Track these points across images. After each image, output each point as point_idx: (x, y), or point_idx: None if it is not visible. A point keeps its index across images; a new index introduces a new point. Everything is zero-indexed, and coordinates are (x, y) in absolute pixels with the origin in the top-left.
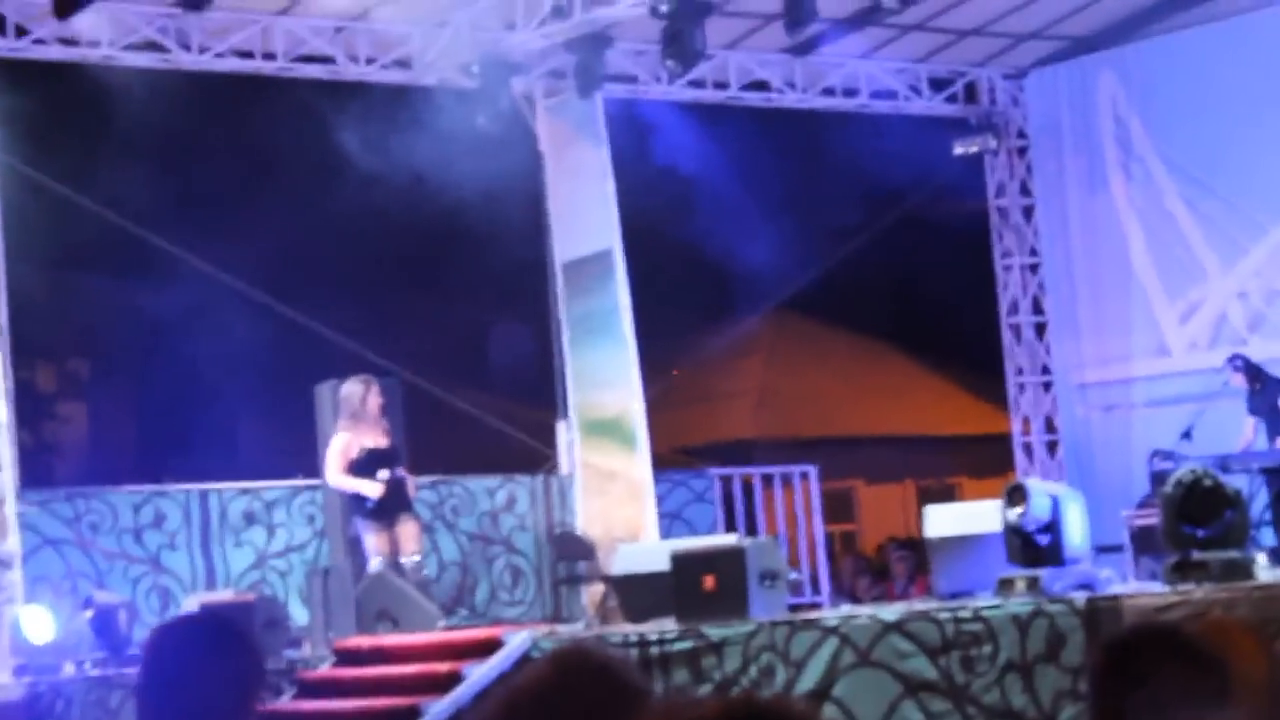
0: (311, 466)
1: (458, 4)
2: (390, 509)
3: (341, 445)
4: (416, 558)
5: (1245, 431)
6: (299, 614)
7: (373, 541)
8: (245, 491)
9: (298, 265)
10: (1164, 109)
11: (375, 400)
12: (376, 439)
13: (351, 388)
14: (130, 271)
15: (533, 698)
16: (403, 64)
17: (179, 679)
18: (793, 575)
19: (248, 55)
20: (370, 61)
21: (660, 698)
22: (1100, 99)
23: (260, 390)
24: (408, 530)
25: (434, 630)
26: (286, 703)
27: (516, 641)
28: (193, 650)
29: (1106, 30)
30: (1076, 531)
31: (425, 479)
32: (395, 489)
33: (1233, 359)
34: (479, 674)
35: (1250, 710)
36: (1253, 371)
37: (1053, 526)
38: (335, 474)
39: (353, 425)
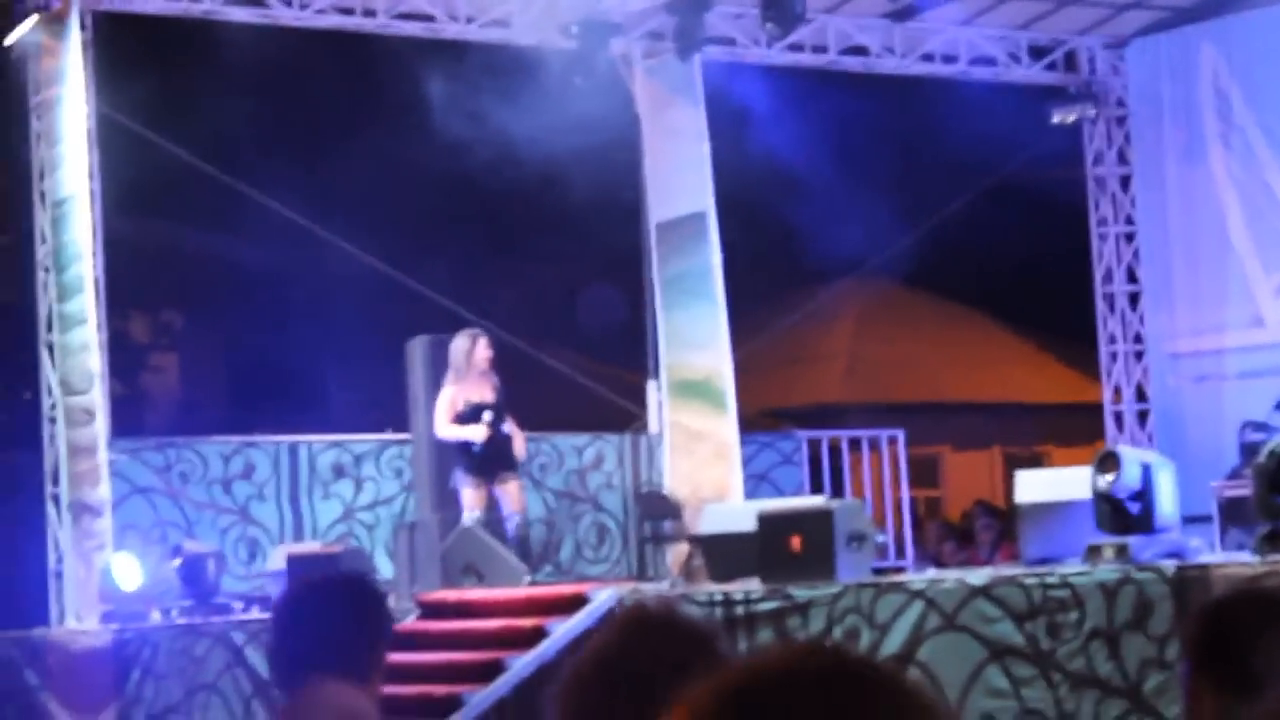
0: (401, 421)
1: None
2: (492, 465)
3: (448, 398)
4: (518, 517)
5: None
6: (385, 568)
7: (470, 496)
8: (334, 444)
9: (392, 221)
10: (1265, 81)
11: (482, 354)
12: (483, 393)
13: (459, 342)
14: (225, 224)
15: (597, 664)
16: (501, 23)
17: (317, 634)
18: (879, 538)
19: (348, 11)
20: (470, 20)
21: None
22: (1201, 70)
23: (351, 344)
24: (509, 488)
25: (519, 586)
26: None
27: (601, 598)
28: (332, 609)
29: (1208, 1)
30: (1168, 500)
31: None
32: (499, 446)
33: None
34: (563, 630)
35: None
36: None
37: (1144, 494)
38: (443, 425)
39: (458, 379)
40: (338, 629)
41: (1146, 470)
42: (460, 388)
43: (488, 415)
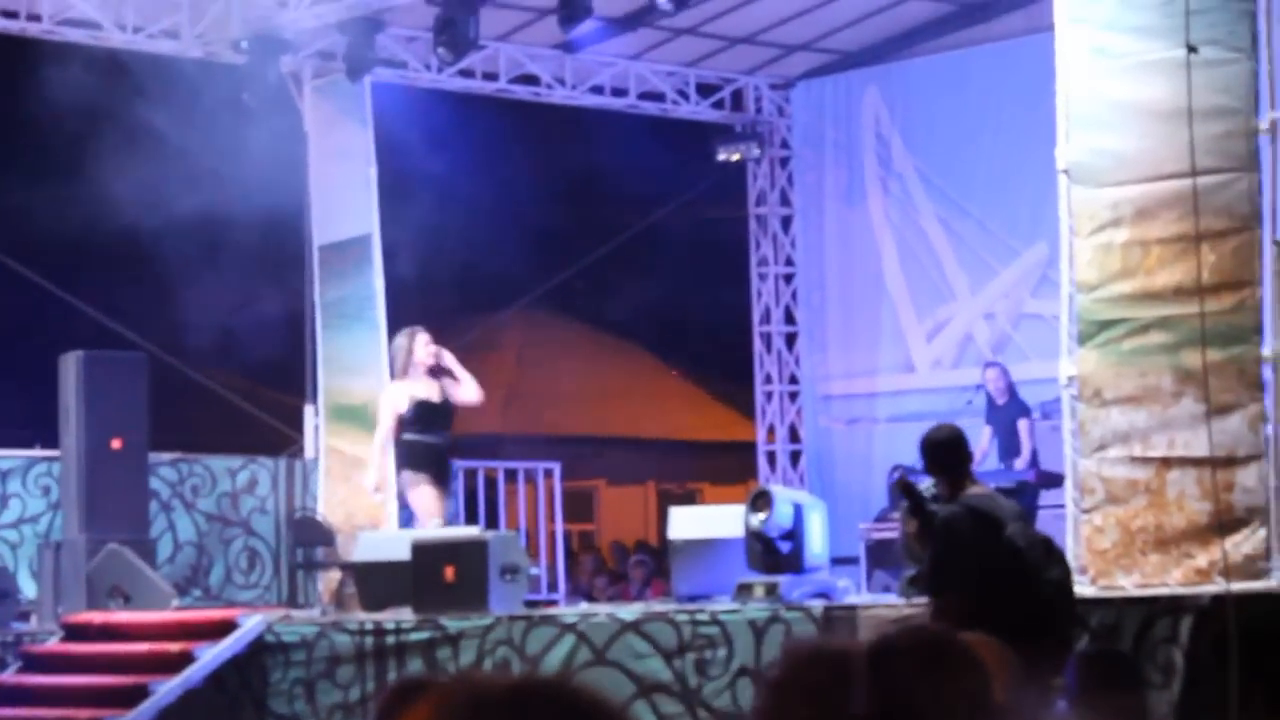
0: (50, 437)
1: None
2: (446, 469)
3: (390, 398)
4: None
5: (981, 442)
6: (28, 587)
7: (428, 499)
8: None
9: (50, 234)
10: (925, 128)
11: (424, 350)
12: (430, 392)
13: (398, 340)
14: None
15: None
16: (171, 34)
17: None
18: (533, 571)
19: (12, 15)
20: (138, 30)
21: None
22: (864, 114)
23: (2, 357)
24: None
25: (167, 609)
26: (11, 676)
27: (250, 624)
28: None
29: (875, 46)
30: (818, 540)
31: (166, 456)
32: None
33: (996, 364)
34: (210, 655)
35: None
36: (1008, 385)
37: (795, 534)
38: (380, 431)
39: (403, 378)
40: None
41: (798, 510)
42: (405, 386)
43: (377, 495)
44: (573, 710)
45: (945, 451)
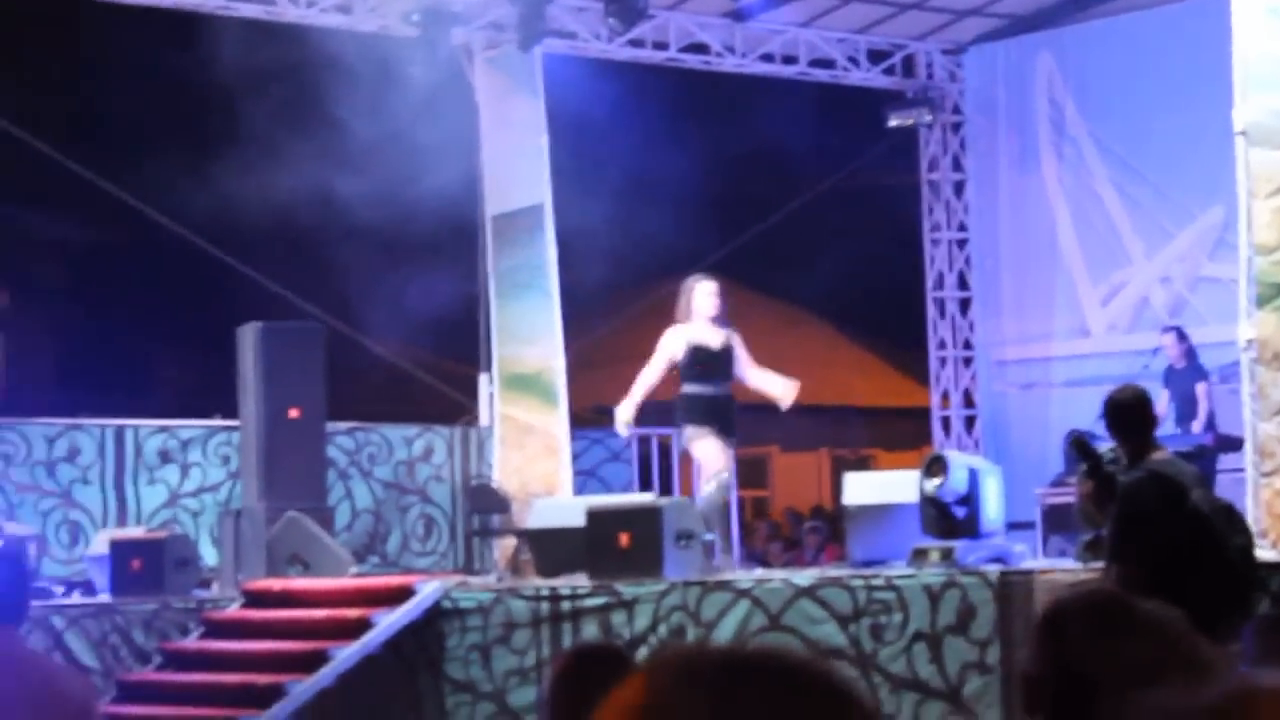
0: (230, 407)
1: None
2: (730, 421)
3: (666, 341)
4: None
5: (1159, 406)
6: (209, 555)
7: (714, 451)
8: (161, 429)
9: (226, 206)
10: (1098, 92)
11: (705, 299)
12: (710, 338)
13: (684, 284)
14: (52, 202)
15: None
16: (343, 9)
17: None
18: (707, 537)
19: None
20: (310, 4)
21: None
22: (1037, 79)
23: (181, 329)
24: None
25: (345, 576)
26: (193, 642)
27: (427, 591)
28: None
29: (1046, 10)
30: (993, 505)
31: (343, 425)
32: (728, 401)
33: (1175, 328)
34: (388, 622)
35: None
36: (1188, 349)
37: (970, 499)
38: (647, 370)
39: (685, 322)
40: None
41: (973, 475)
42: (684, 330)
43: (626, 429)
44: (788, 682)
45: (1129, 413)
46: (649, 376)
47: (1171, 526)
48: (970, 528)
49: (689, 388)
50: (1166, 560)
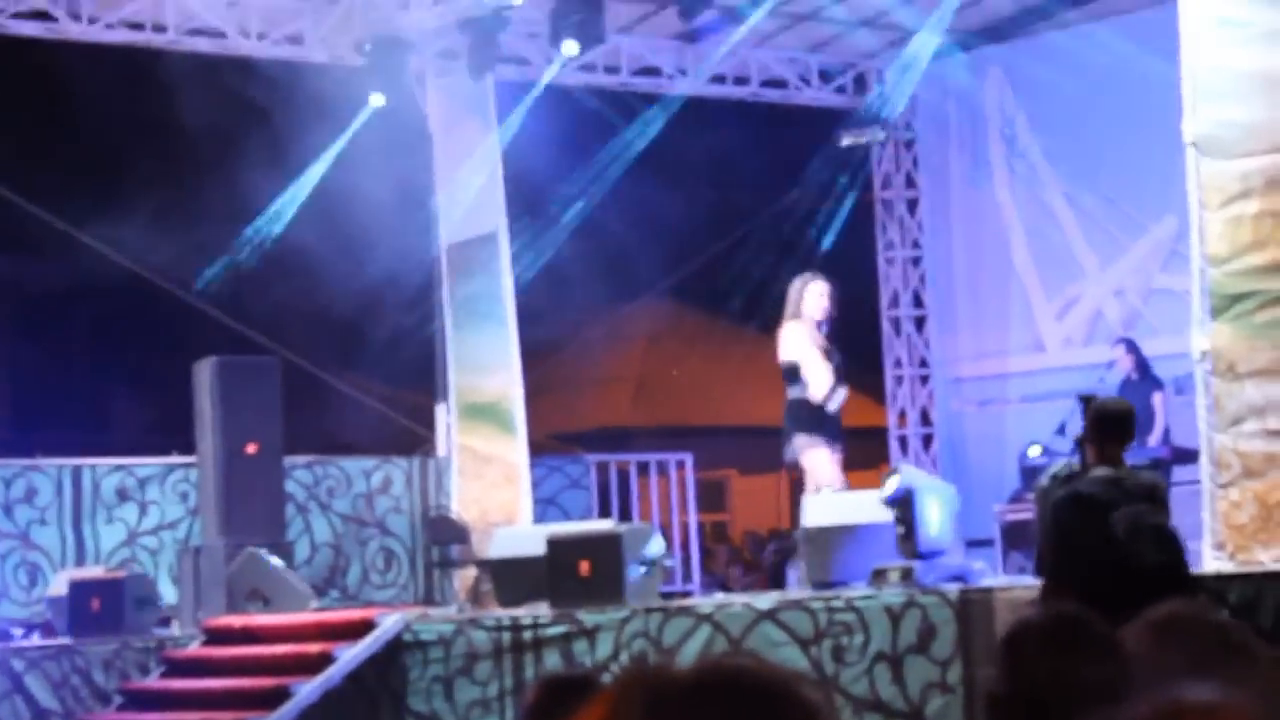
0: (187, 444)
1: None
2: (837, 424)
3: (799, 335)
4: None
5: None
6: (169, 593)
7: (826, 463)
8: (119, 467)
9: (176, 242)
10: (1049, 106)
11: (815, 300)
12: (820, 344)
13: (793, 284)
14: (4, 242)
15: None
16: (294, 39)
17: None
18: (668, 562)
19: (138, 27)
20: (262, 36)
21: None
22: (987, 94)
23: (137, 366)
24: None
25: (306, 610)
26: (154, 681)
27: (388, 624)
28: None
29: (996, 26)
30: (934, 524)
31: (300, 459)
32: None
33: (1125, 340)
34: (349, 655)
35: None
36: (1140, 361)
37: (904, 519)
38: (812, 360)
39: (794, 320)
40: None
41: (909, 493)
42: (805, 330)
43: (840, 393)
44: (758, 699)
45: (1114, 425)
46: (818, 361)
47: (1088, 545)
48: (910, 547)
49: (797, 394)
50: (1084, 577)
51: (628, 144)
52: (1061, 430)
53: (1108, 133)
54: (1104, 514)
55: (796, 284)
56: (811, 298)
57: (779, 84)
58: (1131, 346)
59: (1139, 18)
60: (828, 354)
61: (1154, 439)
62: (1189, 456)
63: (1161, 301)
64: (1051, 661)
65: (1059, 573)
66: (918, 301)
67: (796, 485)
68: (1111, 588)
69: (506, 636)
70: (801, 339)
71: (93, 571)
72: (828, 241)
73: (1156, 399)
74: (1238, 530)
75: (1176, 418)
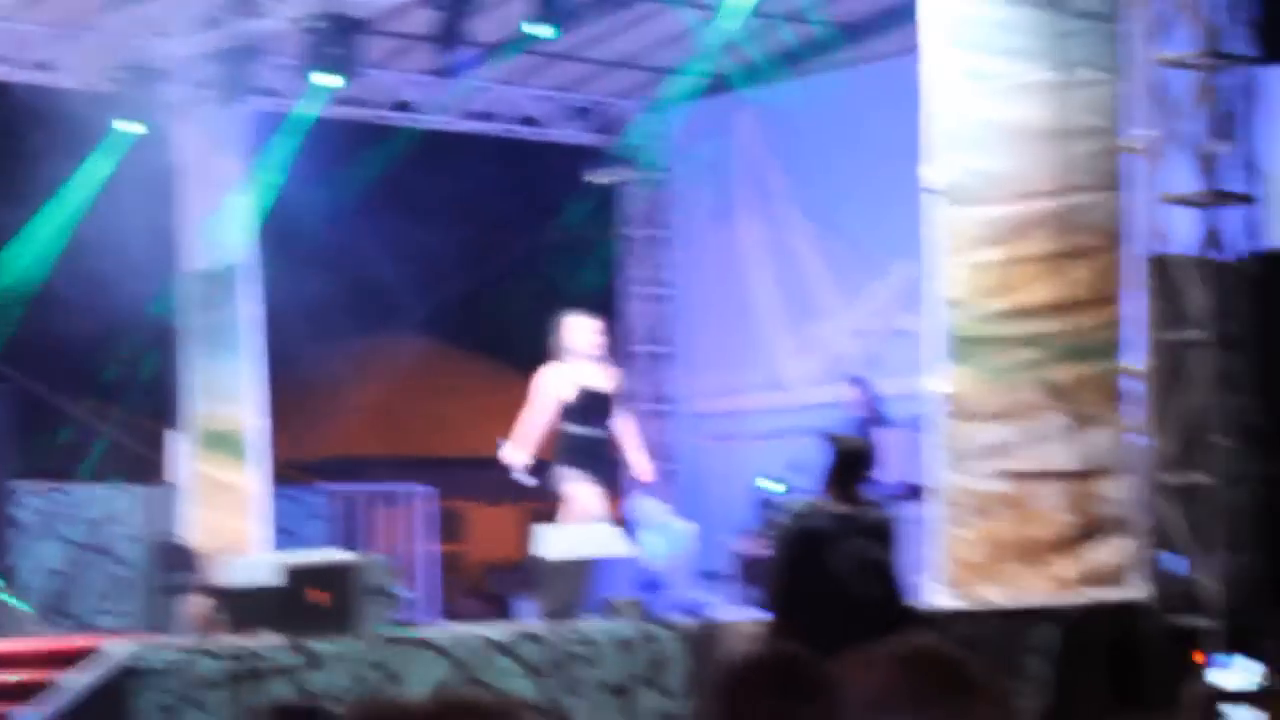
0: None
1: (107, 9)
2: (602, 460)
3: (550, 382)
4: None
5: None
6: None
7: (588, 495)
8: None
9: None
10: (800, 149)
11: (586, 337)
12: (596, 380)
13: (562, 320)
14: None
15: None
16: (44, 66)
17: None
18: (405, 594)
19: None
20: (8, 61)
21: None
22: (738, 136)
23: None
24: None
25: (28, 637)
26: None
27: (115, 651)
28: None
29: (750, 70)
30: (657, 556)
31: (33, 485)
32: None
33: (857, 379)
34: (74, 684)
35: None
36: (870, 399)
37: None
38: (533, 412)
39: (563, 361)
40: None
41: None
42: (569, 370)
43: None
44: None
45: (842, 460)
46: (537, 419)
47: (811, 577)
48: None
49: (571, 428)
50: (808, 610)
51: (376, 177)
52: (792, 466)
53: (856, 176)
54: (830, 549)
55: (563, 322)
56: (583, 334)
57: (532, 122)
58: (861, 384)
59: (887, 65)
60: (612, 388)
61: (888, 476)
62: (920, 493)
63: (901, 342)
64: (768, 701)
65: (787, 606)
66: (660, 338)
67: (536, 516)
68: (834, 621)
69: (238, 665)
70: (551, 380)
71: None
72: (582, 279)
73: (887, 436)
74: (967, 567)
75: (911, 456)
